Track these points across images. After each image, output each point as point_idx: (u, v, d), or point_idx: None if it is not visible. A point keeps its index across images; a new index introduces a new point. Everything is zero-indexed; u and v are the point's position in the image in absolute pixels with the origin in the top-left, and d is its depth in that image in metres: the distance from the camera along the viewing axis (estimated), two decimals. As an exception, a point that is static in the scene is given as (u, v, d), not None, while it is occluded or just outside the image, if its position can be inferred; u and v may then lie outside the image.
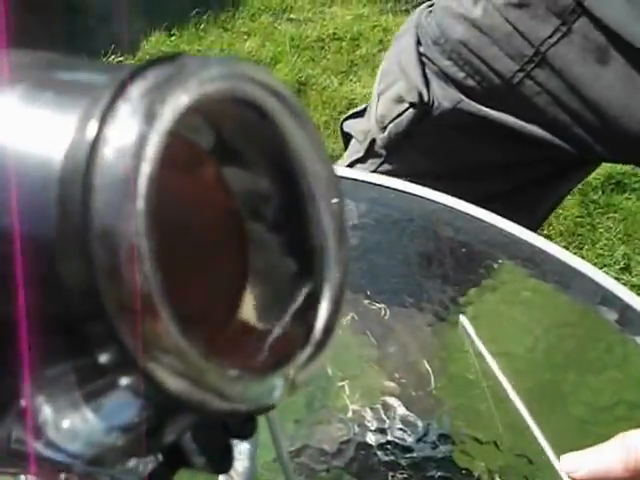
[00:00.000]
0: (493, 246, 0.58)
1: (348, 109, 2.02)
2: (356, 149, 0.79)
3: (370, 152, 0.79)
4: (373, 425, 0.49)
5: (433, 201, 0.60)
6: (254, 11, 2.32)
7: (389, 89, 0.78)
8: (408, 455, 0.48)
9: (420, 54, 0.74)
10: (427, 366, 0.52)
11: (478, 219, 0.59)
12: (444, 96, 0.73)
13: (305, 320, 0.16)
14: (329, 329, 0.16)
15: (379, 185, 0.62)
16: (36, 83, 0.14)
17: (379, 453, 0.48)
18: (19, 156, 0.14)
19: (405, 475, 0.47)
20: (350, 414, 0.49)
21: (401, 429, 0.49)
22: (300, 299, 0.16)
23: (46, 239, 0.13)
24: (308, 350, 0.16)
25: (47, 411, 0.15)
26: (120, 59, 2.03)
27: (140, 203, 0.13)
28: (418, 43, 0.73)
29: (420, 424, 0.49)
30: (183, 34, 2.22)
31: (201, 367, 0.13)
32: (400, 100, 0.77)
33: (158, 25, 2.19)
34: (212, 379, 0.14)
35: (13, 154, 0.14)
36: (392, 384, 0.52)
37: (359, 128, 0.81)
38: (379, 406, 0.50)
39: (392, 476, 0.47)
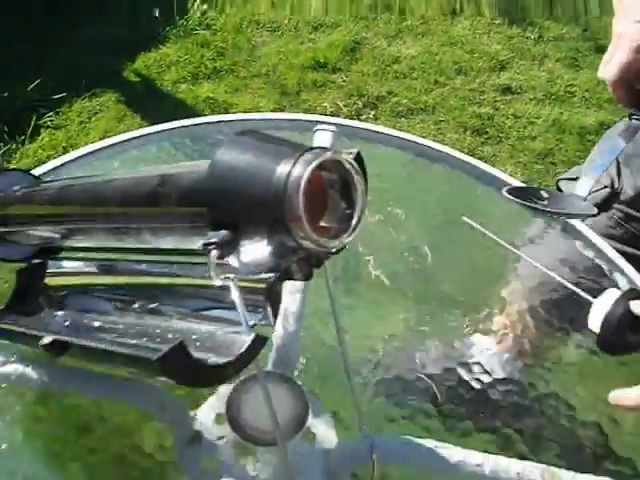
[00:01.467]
0: None
1: (394, 63, 2.47)
2: None
3: None
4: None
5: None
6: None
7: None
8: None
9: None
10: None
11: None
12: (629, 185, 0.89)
13: (347, 222, 0.40)
14: (356, 227, 0.42)
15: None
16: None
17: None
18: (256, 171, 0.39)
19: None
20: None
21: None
22: (344, 215, 0.40)
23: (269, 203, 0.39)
24: (349, 233, 0.41)
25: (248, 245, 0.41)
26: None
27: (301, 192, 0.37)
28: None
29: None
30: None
31: (314, 238, 0.37)
32: (598, 181, 0.87)
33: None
34: (319, 242, 0.38)
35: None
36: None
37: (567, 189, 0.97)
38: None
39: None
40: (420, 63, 2.41)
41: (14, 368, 0.64)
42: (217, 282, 0.36)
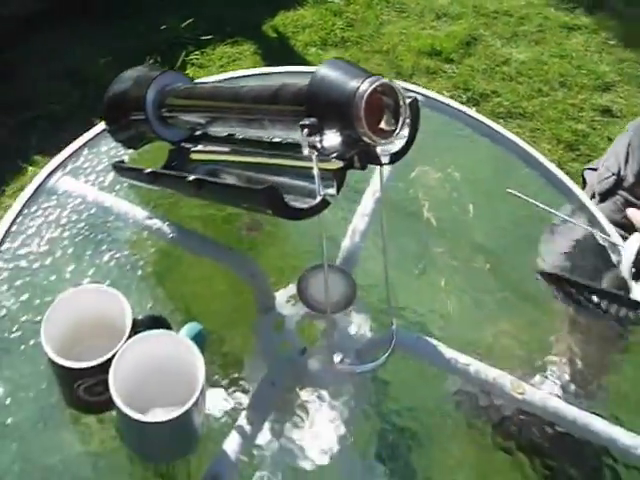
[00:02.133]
0: None
1: (503, 64, 2.62)
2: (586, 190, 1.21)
3: (593, 195, 1.16)
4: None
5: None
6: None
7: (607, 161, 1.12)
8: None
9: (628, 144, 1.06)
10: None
11: None
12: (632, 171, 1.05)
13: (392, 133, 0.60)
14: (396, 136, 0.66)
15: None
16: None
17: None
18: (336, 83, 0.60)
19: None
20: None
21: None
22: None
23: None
24: (391, 139, 0.61)
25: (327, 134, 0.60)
26: None
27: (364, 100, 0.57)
28: None
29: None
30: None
31: (369, 134, 0.58)
32: (608, 169, 1.06)
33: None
34: (372, 138, 0.59)
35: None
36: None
37: (589, 178, 1.19)
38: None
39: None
40: (528, 69, 2.55)
41: (155, 222, 0.90)
42: (305, 152, 0.58)
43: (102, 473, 0.72)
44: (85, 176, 0.98)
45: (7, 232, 0.90)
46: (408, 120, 0.60)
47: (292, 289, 0.85)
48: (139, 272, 0.88)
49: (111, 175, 0.97)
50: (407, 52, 2.56)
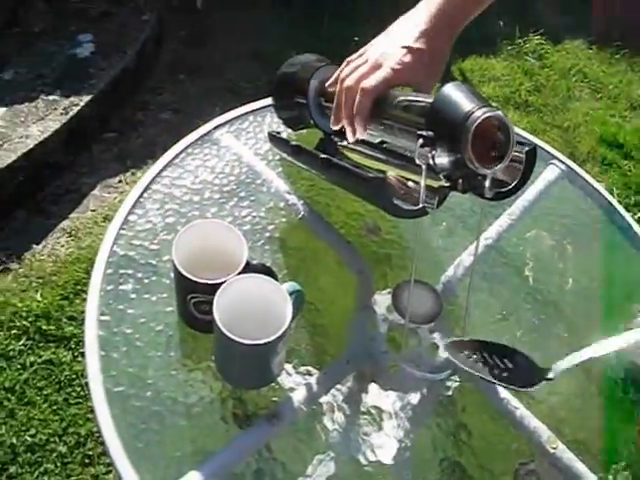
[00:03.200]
0: None
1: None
2: None
3: None
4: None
5: None
6: None
7: None
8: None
9: None
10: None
11: None
12: None
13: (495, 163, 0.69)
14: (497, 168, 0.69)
15: None
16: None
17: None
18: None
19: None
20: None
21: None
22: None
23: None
24: (493, 170, 0.69)
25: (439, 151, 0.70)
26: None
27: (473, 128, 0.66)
28: None
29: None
30: None
31: (473, 159, 0.66)
32: None
33: None
34: (475, 164, 0.67)
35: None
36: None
37: None
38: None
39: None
40: None
41: (292, 198, 1.07)
42: (417, 161, 0.68)
43: (183, 386, 0.86)
44: (246, 139, 1.13)
45: (169, 163, 1.07)
46: (517, 162, 0.68)
47: (388, 296, 0.95)
48: (266, 234, 1.02)
49: (267, 145, 1.12)
50: (587, 135, 2.50)
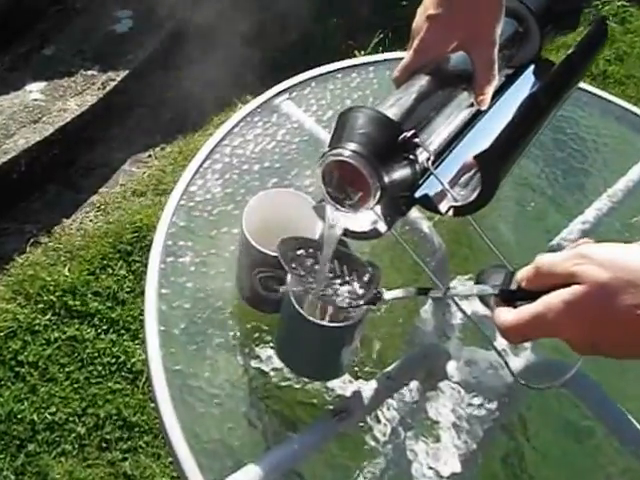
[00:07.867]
0: None
1: None
2: None
3: None
4: None
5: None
6: None
7: None
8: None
9: None
10: None
11: None
12: None
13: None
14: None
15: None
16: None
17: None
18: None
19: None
20: None
21: None
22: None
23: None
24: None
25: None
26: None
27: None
28: None
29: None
30: None
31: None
32: None
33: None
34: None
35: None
36: None
37: None
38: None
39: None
40: None
41: None
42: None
43: (241, 371, 0.79)
44: (307, 106, 1.06)
45: (229, 132, 1.00)
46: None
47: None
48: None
49: (330, 112, 1.05)
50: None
